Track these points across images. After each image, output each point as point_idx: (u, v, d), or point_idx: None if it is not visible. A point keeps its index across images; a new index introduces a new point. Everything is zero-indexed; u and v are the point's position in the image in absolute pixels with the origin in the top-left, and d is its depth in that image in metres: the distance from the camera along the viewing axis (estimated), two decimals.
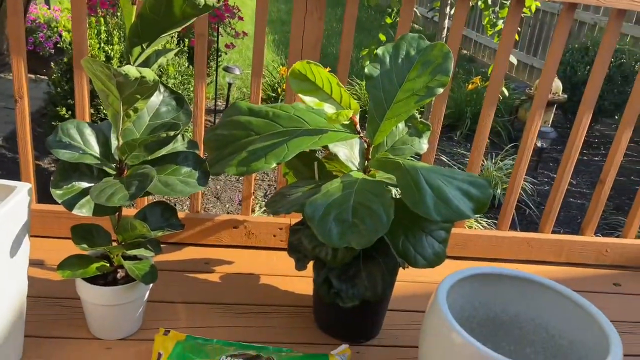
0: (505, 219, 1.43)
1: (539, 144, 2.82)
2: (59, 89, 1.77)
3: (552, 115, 3.38)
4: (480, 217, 2.37)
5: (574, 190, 2.85)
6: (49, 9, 3.22)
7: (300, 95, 0.85)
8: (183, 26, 0.77)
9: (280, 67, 3.74)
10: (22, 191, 0.79)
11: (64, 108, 1.76)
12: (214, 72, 3.04)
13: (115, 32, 1.75)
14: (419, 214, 0.80)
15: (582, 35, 4.16)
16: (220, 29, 2.92)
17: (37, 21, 3.01)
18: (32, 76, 3.16)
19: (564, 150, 1.38)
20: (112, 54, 1.72)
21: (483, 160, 2.68)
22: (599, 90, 1.30)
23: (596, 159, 3.26)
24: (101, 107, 1.85)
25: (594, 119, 3.35)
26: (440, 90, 0.90)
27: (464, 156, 3.06)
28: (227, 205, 2.33)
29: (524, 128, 1.35)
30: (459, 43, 1.25)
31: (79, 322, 0.99)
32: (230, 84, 3.22)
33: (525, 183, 2.65)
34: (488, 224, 2.42)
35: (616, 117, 3.35)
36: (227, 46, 3.00)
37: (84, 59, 0.70)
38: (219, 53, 3.07)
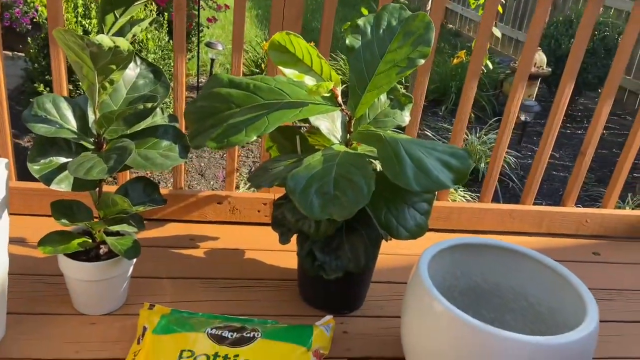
0: (488, 192, 1.44)
1: (522, 118, 2.84)
2: (36, 64, 1.72)
3: (537, 89, 3.39)
4: (463, 190, 2.40)
5: (557, 164, 2.88)
6: None
7: (280, 67, 0.84)
8: None
9: (264, 42, 3.68)
10: None
11: (41, 84, 1.72)
12: (196, 48, 2.98)
13: (92, 5, 1.70)
14: (399, 185, 0.80)
15: (567, 9, 4.15)
16: (201, 2, 2.86)
17: None
18: (9, 53, 3.07)
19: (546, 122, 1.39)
20: (89, 27, 1.68)
21: (467, 134, 2.69)
22: (581, 60, 1.30)
23: (579, 132, 3.30)
24: (80, 83, 1.81)
25: (577, 92, 3.37)
26: (422, 61, 0.89)
27: (448, 131, 3.07)
28: (211, 183, 2.32)
29: (507, 101, 1.35)
30: (442, 14, 1.24)
31: (63, 298, 0.99)
32: (212, 60, 3.17)
33: (509, 157, 2.68)
34: (472, 197, 2.45)
35: (599, 91, 3.38)
36: (209, 20, 2.94)
37: (55, 29, 0.68)
38: (201, 27, 3.01)
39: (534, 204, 1.47)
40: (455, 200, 2.37)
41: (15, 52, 3.13)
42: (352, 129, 0.95)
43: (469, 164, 0.85)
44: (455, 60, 3.06)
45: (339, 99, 0.88)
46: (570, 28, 3.33)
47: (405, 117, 1.00)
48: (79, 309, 0.97)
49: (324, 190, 0.82)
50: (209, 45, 3.01)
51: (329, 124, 0.96)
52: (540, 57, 3.26)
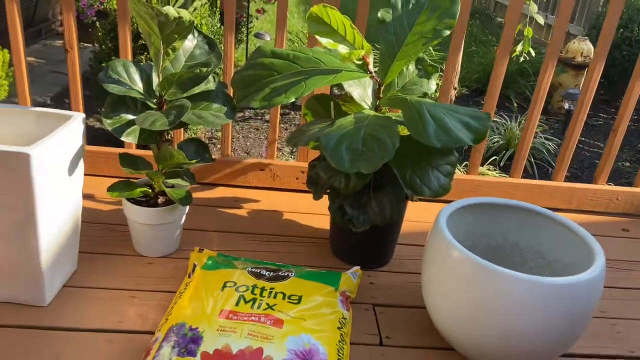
0: (518, 167, 1.49)
1: (566, 106, 2.81)
2: (103, 46, 1.91)
3: (584, 78, 3.33)
4: (499, 173, 2.42)
5: (599, 152, 2.84)
6: None
7: (316, 36, 0.95)
8: None
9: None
10: (78, 119, 0.92)
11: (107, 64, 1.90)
12: (245, 38, 3.13)
13: None
14: (421, 141, 0.89)
15: None
16: None
17: None
18: None
19: (593, 115, 1.43)
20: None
21: (507, 120, 2.70)
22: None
23: (625, 133, 3.22)
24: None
25: (622, 90, 3.30)
26: (447, 32, 0.97)
27: (493, 120, 3.09)
28: None
29: (538, 77, 1.40)
30: None
31: (124, 242, 1.14)
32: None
33: (550, 143, 2.66)
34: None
35: None
36: (258, 11, 3.08)
37: (130, 0, 0.81)
38: (250, 19, 3.15)
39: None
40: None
41: (81, 42, 3.39)
42: (381, 95, 1.04)
43: (488, 125, 0.92)
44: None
45: (370, 66, 0.98)
46: (620, 19, 3.25)
47: (431, 86, 1.08)
48: (139, 250, 1.11)
49: (354, 147, 0.92)
50: (257, 36, 3.15)
51: (361, 91, 1.06)
52: (588, 47, 3.21)
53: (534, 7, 2.67)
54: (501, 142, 2.44)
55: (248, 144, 2.57)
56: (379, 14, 1.00)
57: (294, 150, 2.60)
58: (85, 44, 3.37)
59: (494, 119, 2.67)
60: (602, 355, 0.99)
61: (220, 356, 0.77)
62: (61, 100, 2.82)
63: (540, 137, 2.58)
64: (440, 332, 0.96)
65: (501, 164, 2.42)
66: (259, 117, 2.89)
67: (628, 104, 1.41)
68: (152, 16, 0.83)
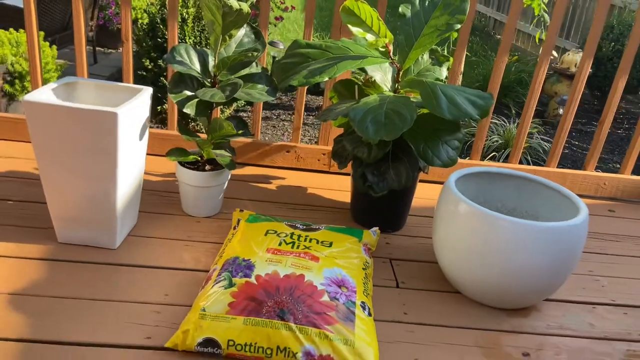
0: (515, 156, 1.68)
1: (560, 112, 3.00)
2: (144, 44, 2.11)
3: (582, 89, 3.54)
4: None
5: None
6: None
7: (348, 25, 1.13)
8: None
9: None
10: (147, 91, 1.11)
11: (147, 60, 2.10)
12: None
13: None
14: (435, 114, 1.07)
15: (612, 16, 4.27)
16: (270, 2, 3.21)
17: None
18: (102, 49, 3.54)
19: (587, 123, 1.61)
20: (186, 16, 2.04)
21: (506, 122, 2.89)
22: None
23: (619, 131, 3.42)
24: (159, 62, 2.17)
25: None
26: (458, 26, 1.16)
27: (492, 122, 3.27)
28: None
29: (533, 75, 1.59)
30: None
31: (175, 205, 1.31)
32: (274, 58, 3.52)
33: (546, 144, 2.84)
34: None
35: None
36: (276, 19, 3.29)
37: None
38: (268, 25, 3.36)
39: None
40: None
41: (107, 49, 3.60)
42: (400, 79, 1.23)
43: (491, 102, 1.11)
44: None
45: (391, 53, 1.17)
46: (611, 32, 3.48)
47: (443, 72, 1.27)
48: (187, 211, 1.29)
49: (377, 119, 1.10)
50: (271, 43, 3.36)
51: (382, 75, 1.24)
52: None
53: (546, 18, 2.85)
54: (500, 141, 2.63)
55: (266, 138, 2.76)
56: (400, 9, 1.19)
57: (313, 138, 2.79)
58: (110, 49, 3.58)
59: (493, 121, 2.86)
60: (587, 302, 1.15)
61: (271, 278, 0.93)
62: None
63: (537, 137, 2.77)
64: (448, 278, 1.13)
65: (500, 161, 2.61)
66: (275, 117, 3.09)
67: (613, 98, 1.59)
68: (218, 7, 1.02)
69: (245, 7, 1.02)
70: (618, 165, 2.88)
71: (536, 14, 2.98)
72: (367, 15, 1.12)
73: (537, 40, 3.08)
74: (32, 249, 1.08)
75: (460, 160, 1.63)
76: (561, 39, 5.32)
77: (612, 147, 3.14)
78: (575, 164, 2.87)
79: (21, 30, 2.12)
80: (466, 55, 4.46)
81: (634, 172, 1.74)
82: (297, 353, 0.84)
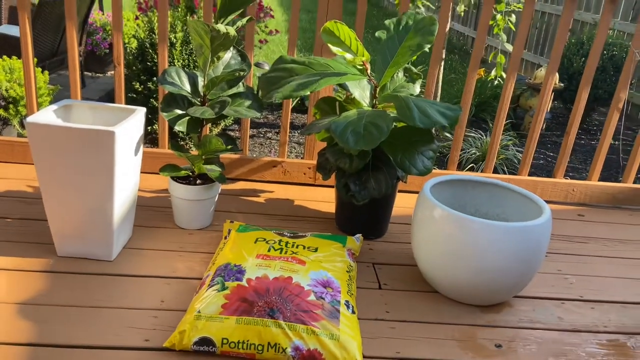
0: (489, 165, 1.77)
1: None
2: (133, 67, 2.19)
3: (550, 102, 3.69)
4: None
5: (569, 166, 3.15)
6: (103, 14, 3.68)
7: (329, 45, 1.23)
8: (251, 3, 1.15)
9: None
10: (141, 112, 1.18)
11: (137, 83, 2.18)
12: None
13: (178, 23, 2.16)
14: (408, 123, 1.16)
15: (582, 33, 4.48)
16: (256, 26, 3.32)
17: (93, 25, 3.47)
18: (90, 74, 3.62)
19: (562, 135, 1.72)
20: (174, 40, 2.13)
21: (482, 135, 3.01)
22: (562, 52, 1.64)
23: (592, 142, 3.56)
24: (149, 84, 2.24)
25: (590, 106, 3.65)
26: (428, 45, 1.26)
27: (467, 136, 3.40)
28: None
29: (503, 85, 1.70)
30: (447, 22, 1.61)
31: (167, 219, 1.38)
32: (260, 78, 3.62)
33: (521, 155, 2.96)
34: None
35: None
36: (261, 42, 3.40)
37: (191, 20, 1.09)
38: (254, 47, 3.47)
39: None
40: None
41: (95, 73, 3.67)
42: (377, 95, 1.32)
43: (459, 113, 1.20)
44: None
45: (369, 70, 1.26)
46: (581, 49, 3.65)
47: (416, 89, 1.36)
48: (180, 224, 1.35)
49: (357, 130, 1.18)
50: (257, 65, 3.46)
51: (361, 92, 1.34)
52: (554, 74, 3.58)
53: (503, 37, 3.03)
54: (478, 154, 2.75)
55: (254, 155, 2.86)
56: (377, 34, 1.29)
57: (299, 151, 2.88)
58: (98, 74, 3.65)
59: (471, 134, 2.98)
60: (556, 297, 1.24)
61: (261, 281, 1.00)
62: None
63: (512, 149, 2.89)
64: (426, 279, 1.21)
65: (478, 171, 2.72)
66: (262, 135, 3.18)
67: (577, 110, 1.71)
68: (206, 32, 1.11)
69: (232, 31, 1.11)
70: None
71: (495, 32, 3.14)
72: (345, 35, 1.21)
73: (489, 59, 3.23)
74: (34, 263, 1.13)
75: (437, 171, 1.72)
76: (536, 55, 5.53)
77: (585, 157, 3.28)
78: (550, 174, 2.99)
79: (14, 57, 2.19)
80: (445, 73, 4.62)
81: (603, 179, 1.85)
82: (286, 348, 0.91)
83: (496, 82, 3.13)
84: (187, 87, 1.25)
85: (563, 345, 1.07)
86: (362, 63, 1.22)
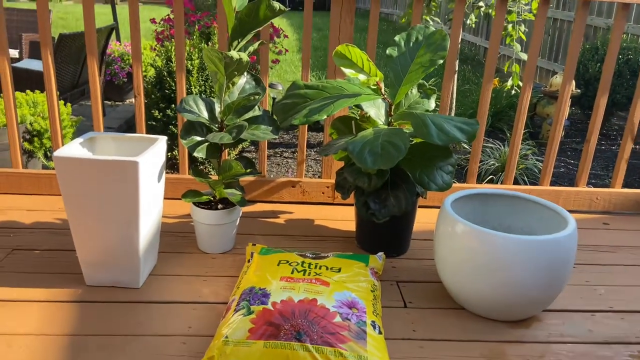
0: (509, 177, 1.76)
1: None
2: (152, 95, 2.24)
3: (568, 109, 3.65)
4: None
5: (591, 173, 3.11)
6: (120, 44, 3.79)
7: (341, 67, 1.24)
8: (263, 25, 1.18)
9: None
10: (162, 140, 1.21)
11: (156, 110, 2.23)
12: None
13: (194, 50, 2.21)
14: (426, 141, 1.17)
15: (596, 38, 4.44)
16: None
17: (112, 55, 3.57)
18: (109, 102, 3.71)
19: (581, 142, 1.71)
20: (191, 67, 2.18)
21: (501, 145, 2.99)
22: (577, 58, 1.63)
23: (613, 147, 3.50)
24: (167, 111, 2.30)
25: (608, 111, 3.61)
26: (440, 61, 1.27)
27: (485, 147, 3.38)
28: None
29: (519, 95, 1.69)
30: (459, 35, 1.62)
31: (191, 244, 1.39)
32: (274, 99, 3.67)
33: (541, 164, 2.93)
34: None
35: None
36: (273, 61, 3.45)
37: (205, 48, 1.12)
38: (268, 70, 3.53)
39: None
40: None
41: (115, 102, 3.76)
42: (392, 113, 1.33)
43: (477, 128, 1.20)
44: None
45: (382, 90, 1.27)
46: (596, 54, 3.62)
47: (431, 104, 1.37)
48: (203, 249, 1.37)
49: (374, 150, 1.19)
50: (270, 86, 3.51)
51: (376, 111, 1.35)
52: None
53: (517, 47, 3.03)
54: (497, 164, 2.72)
55: (272, 175, 2.88)
56: (387, 51, 1.30)
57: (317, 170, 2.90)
58: (117, 102, 3.74)
59: (489, 145, 2.96)
60: (585, 310, 1.21)
61: (286, 304, 1.01)
62: None
63: (532, 159, 2.85)
64: (452, 296, 1.20)
65: (498, 183, 2.69)
66: (278, 154, 3.21)
67: (596, 118, 1.69)
68: (220, 59, 1.13)
69: (245, 56, 1.13)
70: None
71: (507, 42, 3.14)
72: (357, 57, 1.23)
73: (505, 69, 3.23)
74: (63, 293, 1.16)
75: (457, 185, 1.72)
76: (550, 61, 5.49)
77: (606, 163, 3.23)
78: (572, 182, 2.95)
79: (37, 91, 2.26)
80: (458, 84, 4.62)
81: (627, 185, 1.82)
82: None
83: (513, 91, 3.12)
84: (205, 113, 1.28)
85: (595, 358, 1.05)
86: (375, 83, 1.23)
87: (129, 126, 3.34)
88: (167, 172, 2.50)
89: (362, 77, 1.24)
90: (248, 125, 1.28)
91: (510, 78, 3.27)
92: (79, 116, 2.36)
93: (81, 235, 1.13)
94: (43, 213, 1.53)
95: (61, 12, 10.42)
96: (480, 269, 1.10)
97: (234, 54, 1.12)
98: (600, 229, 1.65)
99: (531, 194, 1.73)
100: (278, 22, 6.77)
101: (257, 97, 1.23)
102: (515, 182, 2.78)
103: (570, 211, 1.75)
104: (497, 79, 3.50)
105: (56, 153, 1.08)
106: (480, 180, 2.72)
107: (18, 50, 3.52)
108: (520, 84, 3.05)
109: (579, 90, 3.57)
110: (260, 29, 1.19)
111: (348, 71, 1.24)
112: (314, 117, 1.23)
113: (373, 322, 1.02)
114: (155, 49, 2.96)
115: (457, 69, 3.48)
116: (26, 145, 2.12)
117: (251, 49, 1.21)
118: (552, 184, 2.90)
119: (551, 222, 1.23)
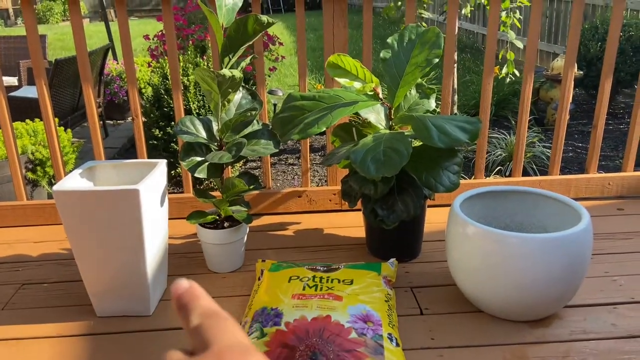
0: (517, 168, 1.73)
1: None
2: (151, 114, 2.24)
3: (571, 95, 3.60)
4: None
5: (601, 155, 3.06)
6: (118, 63, 3.79)
7: (335, 78, 1.22)
8: (253, 40, 1.16)
9: (317, 84, 4.16)
10: (162, 164, 1.19)
11: (157, 129, 2.23)
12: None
13: (189, 66, 2.21)
14: (429, 146, 1.14)
15: (595, 17, 4.37)
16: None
17: (110, 75, 3.57)
18: (111, 122, 3.72)
19: (588, 123, 1.68)
20: (188, 83, 2.17)
21: (506, 135, 2.95)
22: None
23: (621, 126, 3.45)
24: (167, 129, 2.29)
25: (614, 89, 3.55)
26: (436, 60, 1.24)
27: (491, 138, 3.33)
28: None
29: (522, 84, 1.66)
30: (455, 30, 1.59)
31: (199, 264, 1.38)
32: (275, 105, 3.65)
33: (549, 151, 2.89)
34: None
35: (635, 87, 3.53)
36: (270, 69, 3.44)
37: (197, 68, 1.10)
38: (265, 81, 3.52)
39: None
40: None
41: (117, 121, 3.77)
42: (392, 117, 1.30)
43: (479, 126, 1.17)
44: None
45: (380, 95, 1.25)
46: (596, 33, 3.56)
47: (432, 104, 1.34)
48: (212, 269, 1.35)
49: (377, 158, 1.17)
50: (271, 92, 3.50)
51: (376, 116, 1.32)
52: None
53: (512, 35, 2.98)
54: (504, 154, 2.69)
55: (278, 184, 2.85)
56: (380, 55, 1.28)
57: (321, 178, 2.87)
58: (119, 121, 3.75)
59: (494, 135, 2.92)
60: (607, 303, 1.18)
61: (299, 323, 0.99)
62: None
63: (539, 146, 2.81)
64: (468, 299, 1.17)
65: (507, 174, 2.65)
66: (283, 162, 3.19)
67: (602, 102, 1.65)
68: (212, 78, 1.12)
69: (237, 73, 1.11)
70: None
71: (501, 29, 3.09)
72: (350, 66, 1.21)
73: (499, 57, 3.19)
74: (75, 327, 1.15)
75: (465, 181, 1.69)
76: (550, 44, 5.43)
77: (615, 144, 3.17)
78: (581, 166, 2.90)
79: (36, 120, 2.26)
80: (459, 74, 4.57)
81: (638, 168, 1.78)
82: None
83: (508, 79, 3.08)
84: (203, 133, 1.26)
85: (621, 354, 1.02)
86: (372, 89, 1.21)
87: (131, 144, 3.34)
88: (172, 190, 2.49)
89: (357, 84, 1.22)
90: (248, 142, 1.27)
91: (505, 65, 3.23)
92: (80, 140, 2.36)
93: (87, 266, 1.12)
94: (50, 244, 1.53)
95: (58, 34, 10.49)
96: (494, 271, 1.07)
97: (226, 72, 1.11)
98: (615, 215, 1.62)
99: (541, 184, 1.70)
100: (273, 26, 6.80)
101: (254, 112, 1.21)
102: (525, 172, 2.74)
103: (583, 199, 1.71)
104: (497, 67, 3.46)
105: (55, 187, 1.06)
106: (488, 172, 2.69)
107: (17, 78, 3.53)
108: (516, 72, 3.01)
109: (581, 72, 3.51)
110: (251, 42, 1.17)
111: (343, 80, 1.22)
112: (312, 129, 1.21)
113: (390, 334, 1.00)
114: (151, 65, 2.96)
115: (456, 59, 3.44)
116: (29, 174, 2.13)
117: (243, 64, 1.19)
118: (562, 170, 2.85)
119: (564, 215, 1.20)
